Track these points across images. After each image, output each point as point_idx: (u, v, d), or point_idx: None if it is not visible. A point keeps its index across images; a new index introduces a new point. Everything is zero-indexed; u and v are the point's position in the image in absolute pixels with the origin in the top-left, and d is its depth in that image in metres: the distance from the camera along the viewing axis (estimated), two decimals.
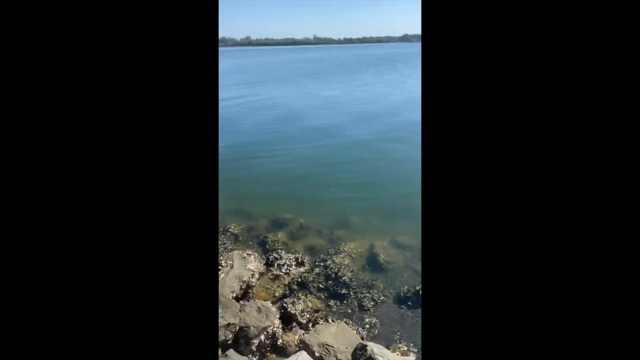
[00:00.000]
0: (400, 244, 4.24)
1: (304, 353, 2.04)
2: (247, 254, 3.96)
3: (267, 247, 4.26)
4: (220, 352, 2.69)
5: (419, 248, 4.16)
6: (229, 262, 3.71)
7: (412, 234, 4.35)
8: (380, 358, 2.33)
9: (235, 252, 3.98)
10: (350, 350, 2.63)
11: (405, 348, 2.87)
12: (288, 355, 2.73)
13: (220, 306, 2.96)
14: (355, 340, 2.78)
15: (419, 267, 3.84)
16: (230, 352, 2.58)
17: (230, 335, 2.83)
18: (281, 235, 4.50)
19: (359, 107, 11.82)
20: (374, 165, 6.71)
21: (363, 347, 2.51)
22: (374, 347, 2.47)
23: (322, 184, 6.00)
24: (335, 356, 2.62)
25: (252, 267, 3.76)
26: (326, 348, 2.68)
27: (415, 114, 9.75)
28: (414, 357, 2.75)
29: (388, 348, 2.80)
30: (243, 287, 3.44)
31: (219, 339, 2.76)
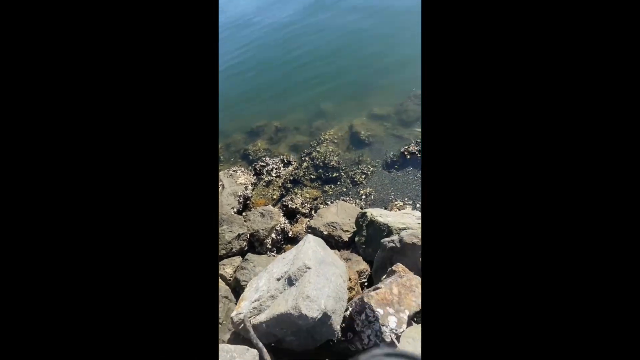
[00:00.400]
0: (377, 115, 4.21)
1: (309, 235, 2.22)
2: (234, 171, 3.96)
3: (251, 158, 4.23)
4: (240, 258, 2.94)
5: (395, 114, 4.15)
6: (219, 183, 3.73)
7: (385, 104, 4.29)
8: (379, 218, 2.55)
9: (220, 172, 3.96)
10: (353, 220, 2.87)
11: (401, 203, 3.15)
12: None
13: (225, 223, 3.10)
14: (356, 211, 3.01)
15: (399, 132, 3.91)
16: (249, 255, 2.82)
17: (244, 243, 3.06)
18: (261, 144, 4.43)
19: None
20: (319, 50, 6.05)
21: (363, 215, 2.73)
22: (372, 211, 2.69)
23: (281, 83, 5.60)
24: (342, 229, 2.88)
25: (242, 181, 3.81)
26: (332, 225, 2.93)
27: None
28: (410, 208, 3.04)
29: (386, 208, 3.06)
30: (241, 201, 3.55)
31: (235, 249, 2.99)
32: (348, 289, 2.07)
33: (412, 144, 3.61)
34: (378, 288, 1.70)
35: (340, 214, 3.01)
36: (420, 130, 3.86)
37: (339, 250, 2.72)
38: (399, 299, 1.64)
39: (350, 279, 2.14)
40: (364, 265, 2.47)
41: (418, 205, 3.07)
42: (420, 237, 2.18)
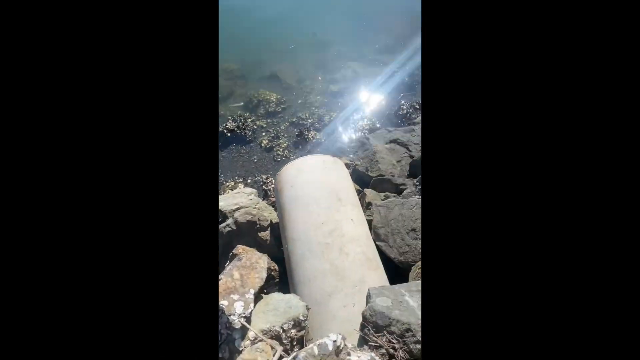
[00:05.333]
0: None
1: None
2: None
3: None
4: None
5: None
6: None
7: None
8: None
9: None
10: None
11: (233, 183, 3.08)
12: None
13: None
14: None
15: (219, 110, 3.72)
16: None
17: None
18: None
19: None
20: None
21: None
22: None
23: None
24: None
25: None
26: None
27: None
28: (242, 185, 3.02)
29: (218, 193, 2.93)
30: None
31: None
32: None
33: (230, 121, 3.51)
34: (219, 280, 1.63)
35: None
36: (234, 105, 3.79)
37: None
38: (242, 282, 1.63)
39: None
40: None
41: (249, 180, 3.09)
42: (254, 212, 2.21)
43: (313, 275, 1.66)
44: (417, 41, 4.51)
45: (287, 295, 1.59)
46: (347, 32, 4.80)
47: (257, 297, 1.70)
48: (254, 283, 1.67)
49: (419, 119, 3.16)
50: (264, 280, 1.73)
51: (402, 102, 3.69)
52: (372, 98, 3.89)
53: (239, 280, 1.64)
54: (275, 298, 1.60)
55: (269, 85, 4.02)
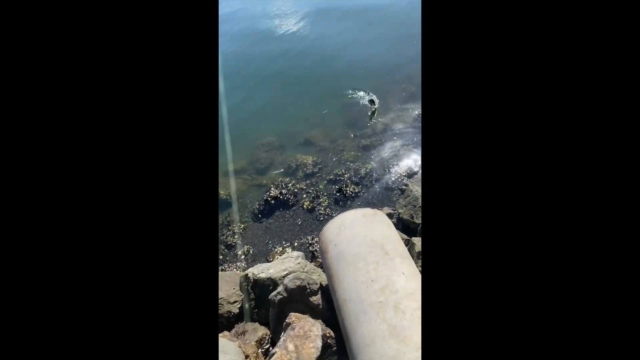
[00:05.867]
0: (234, 171, 4.19)
1: None
2: None
3: None
4: None
5: (250, 164, 4.23)
6: None
7: (237, 159, 4.32)
8: (261, 274, 2.45)
9: None
10: (237, 284, 2.67)
11: (281, 248, 3.13)
12: None
13: None
14: (238, 276, 2.82)
15: (258, 181, 3.97)
16: None
17: None
18: None
19: None
20: None
21: (245, 277, 2.57)
22: (253, 270, 2.56)
23: None
24: (229, 302, 2.63)
25: None
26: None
27: None
28: (290, 249, 3.05)
29: (268, 260, 2.99)
30: None
31: None
32: None
33: (272, 188, 3.71)
34: (273, 354, 1.58)
35: (222, 287, 2.75)
36: (275, 173, 4.04)
37: (232, 328, 2.45)
38: (298, 354, 1.56)
39: (248, 357, 1.93)
40: (262, 331, 2.29)
41: (296, 243, 3.12)
42: (302, 277, 2.19)
43: (371, 340, 1.54)
44: None
45: None
46: (371, 88, 5.08)
47: None
48: (310, 354, 1.59)
49: None
50: (320, 349, 1.64)
51: None
52: (405, 145, 3.91)
53: (294, 353, 1.58)
54: None
55: (305, 149, 4.27)
